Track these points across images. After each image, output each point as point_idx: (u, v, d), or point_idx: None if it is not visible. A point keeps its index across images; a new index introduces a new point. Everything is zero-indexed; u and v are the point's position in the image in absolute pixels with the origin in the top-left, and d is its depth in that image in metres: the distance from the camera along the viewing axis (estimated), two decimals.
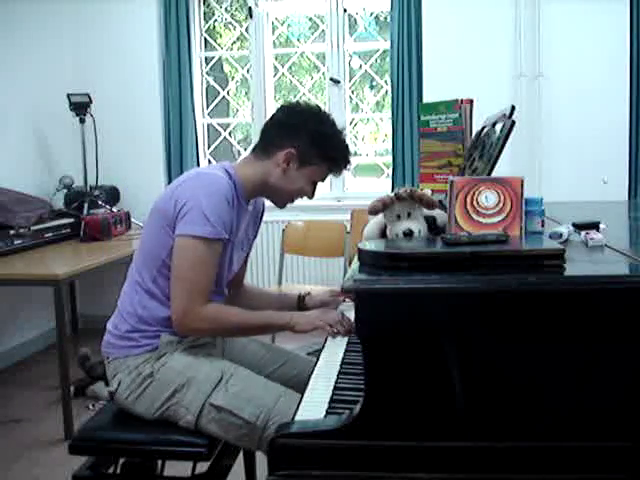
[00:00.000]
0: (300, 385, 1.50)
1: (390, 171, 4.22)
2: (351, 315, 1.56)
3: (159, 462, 1.82)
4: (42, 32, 4.09)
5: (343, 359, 1.47)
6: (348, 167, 1.73)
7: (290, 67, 4.56)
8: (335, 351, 1.52)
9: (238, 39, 4.61)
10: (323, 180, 1.72)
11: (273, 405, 1.49)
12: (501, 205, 1.28)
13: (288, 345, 1.94)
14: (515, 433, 1.09)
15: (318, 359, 1.50)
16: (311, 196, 1.73)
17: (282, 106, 1.74)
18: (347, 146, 1.72)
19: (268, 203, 1.81)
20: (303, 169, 1.66)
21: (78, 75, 4.22)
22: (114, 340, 1.66)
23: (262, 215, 1.88)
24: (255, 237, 1.88)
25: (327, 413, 1.20)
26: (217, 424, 1.52)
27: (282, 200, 1.74)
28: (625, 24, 3.82)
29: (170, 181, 4.17)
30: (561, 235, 1.37)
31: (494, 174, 1.42)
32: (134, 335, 1.63)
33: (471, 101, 1.90)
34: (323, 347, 1.58)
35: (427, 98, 3.91)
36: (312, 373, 1.41)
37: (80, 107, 3.85)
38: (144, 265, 1.64)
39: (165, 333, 1.63)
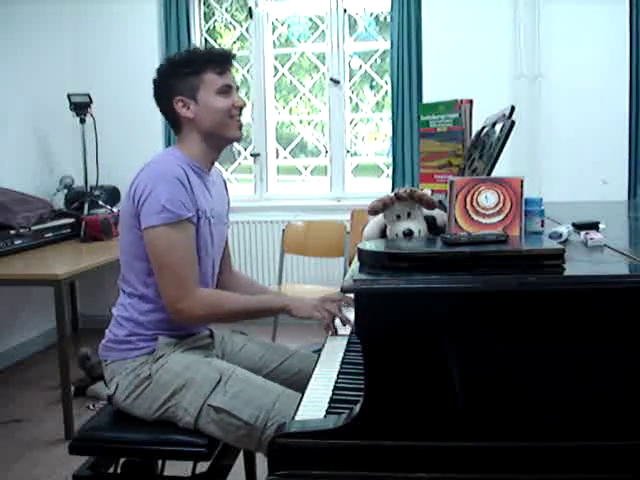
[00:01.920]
0: (302, 382, 1.50)
1: (390, 171, 4.22)
2: (350, 315, 1.56)
3: (159, 462, 1.82)
4: (42, 32, 4.09)
5: (343, 359, 1.47)
6: (220, 53, 1.69)
7: (290, 67, 4.56)
8: (335, 351, 1.52)
9: (238, 39, 4.61)
10: (228, 86, 1.68)
11: (272, 406, 1.49)
12: (501, 205, 1.28)
13: (289, 344, 1.93)
14: (515, 433, 1.09)
15: (318, 359, 1.50)
16: (238, 101, 1.71)
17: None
18: (196, 48, 1.74)
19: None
20: (199, 96, 1.66)
21: (78, 75, 4.23)
22: (111, 344, 1.66)
23: (225, 183, 1.89)
24: (229, 208, 1.88)
25: (327, 413, 1.20)
26: (216, 425, 1.52)
27: (226, 130, 1.71)
28: (625, 24, 3.82)
29: None
30: (561, 235, 1.37)
31: (494, 174, 1.42)
32: (132, 339, 1.63)
33: (471, 101, 1.90)
34: (323, 347, 1.58)
35: (427, 98, 3.92)
36: (312, 373, 1.41)
37: (80, 107, 3.85)
38: (131, 271, 1.65)
39: (163, 335, 1.63)
